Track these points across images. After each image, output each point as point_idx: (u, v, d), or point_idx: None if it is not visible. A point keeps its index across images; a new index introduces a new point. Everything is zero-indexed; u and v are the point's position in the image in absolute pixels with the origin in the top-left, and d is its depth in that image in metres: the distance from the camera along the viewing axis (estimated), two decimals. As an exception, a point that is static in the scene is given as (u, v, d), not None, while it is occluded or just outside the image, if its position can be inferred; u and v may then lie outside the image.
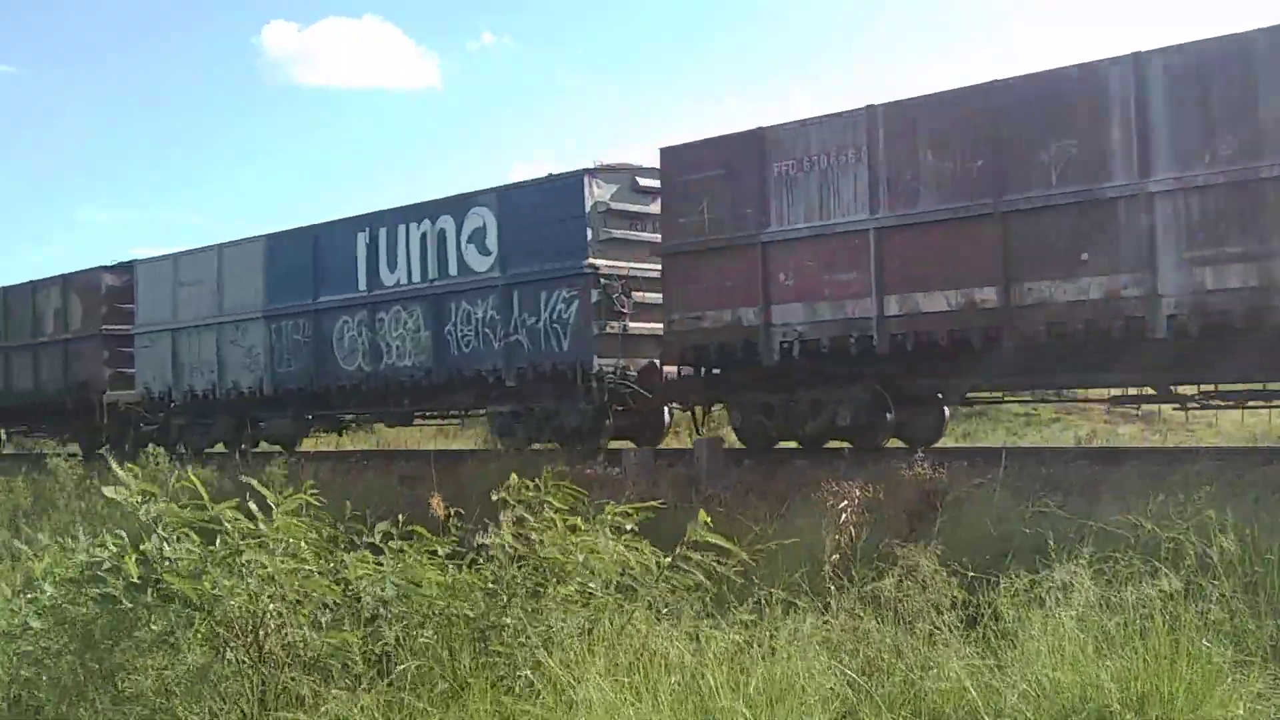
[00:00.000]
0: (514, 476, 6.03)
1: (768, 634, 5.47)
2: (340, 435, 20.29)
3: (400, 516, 5.91)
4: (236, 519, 5.52)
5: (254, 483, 5.84)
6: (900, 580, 5.97)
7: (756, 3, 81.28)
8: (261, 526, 5.54)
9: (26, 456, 23.92)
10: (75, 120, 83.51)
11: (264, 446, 19.36)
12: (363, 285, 17.24)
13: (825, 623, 5.72)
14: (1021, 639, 5.15)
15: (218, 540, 5.51)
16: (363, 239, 17.26)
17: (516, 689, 5.13)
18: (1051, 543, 6.25)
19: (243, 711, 5.01)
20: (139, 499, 5.57)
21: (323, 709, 4.92)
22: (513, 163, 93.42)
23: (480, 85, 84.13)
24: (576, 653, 5.13)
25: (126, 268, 22.62)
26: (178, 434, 20.80)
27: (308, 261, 18.09)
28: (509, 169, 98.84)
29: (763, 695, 4.75)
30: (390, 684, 5.15)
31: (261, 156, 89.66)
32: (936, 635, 5.46)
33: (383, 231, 17.01)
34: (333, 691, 4.99)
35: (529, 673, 5.14)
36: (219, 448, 20.03)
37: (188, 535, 5.54)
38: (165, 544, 5.44)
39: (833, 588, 6.22)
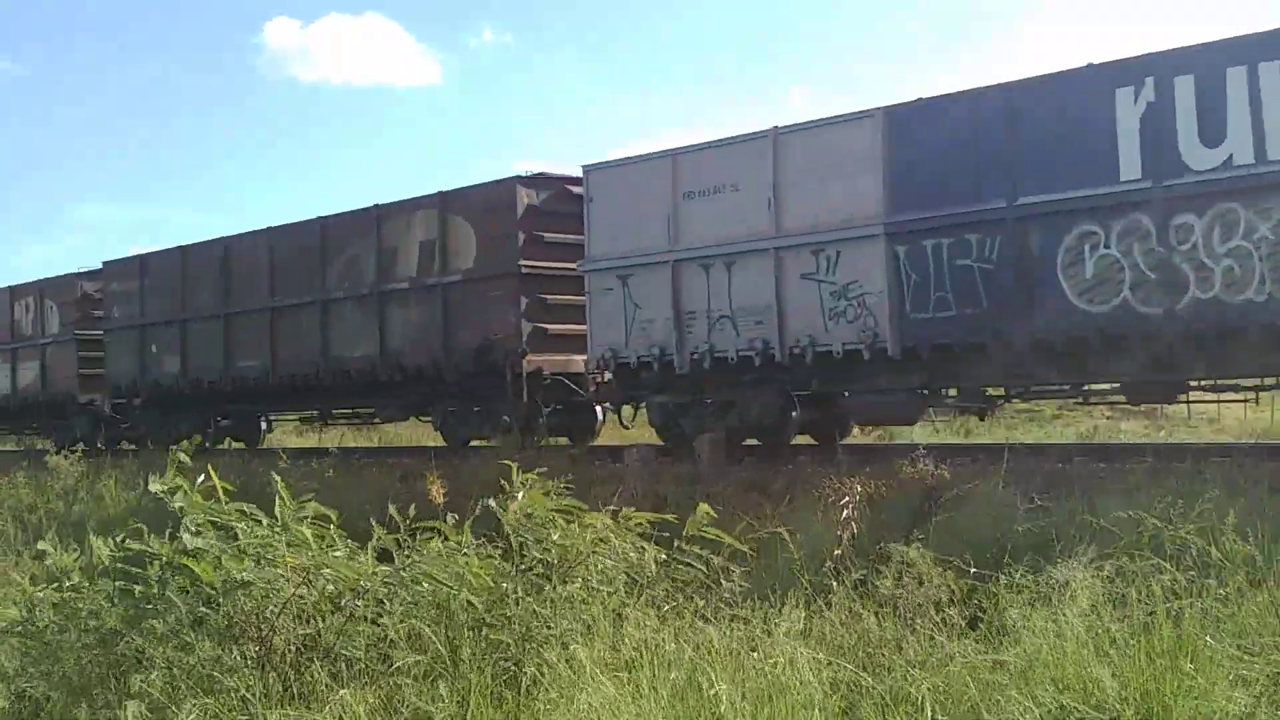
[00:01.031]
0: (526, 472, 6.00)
1: (768, 630, 5.37)
2: (983, 418, 13.65)
3: (395, 510, 5.86)
4: (252, 515, 5.66)
5: (279, 480, 5.89)
6: (900, 577, 5.93)
7: (756, 4, 78.76)
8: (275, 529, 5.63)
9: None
10: (74, 116, 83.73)
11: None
12: (1132, 173, 10.60)
13: (825, 619, 5.67)
14: (1023, 636, 5.08)
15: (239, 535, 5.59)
16: (1131, 98, 10.58)
17: (519, 685, 5.10)
18: (1054, 539, 6.46)
19: (250, 712, 4.91)
20: (170, 492, 5.69)
21: (326, 708, 4.87)
22: (512, 160, 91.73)
23: (480, 82, 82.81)
24: (579, 647, 5.09)
25: (552, 181, 15.76)
26: (663, 415, 14.14)
27: (993, 142, 11.35)
28: (508, 166, 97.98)
29: (763, 692, 4.70)
30: (391, 678, 5.11)
31: (263, 153, 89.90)
32: (937, 632, 5.36)
33: (1182, 82, 10.32)
34: (340, 693, 4.92)
35: (533, 669, 5.09)
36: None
37: (209, 528, 5.60)
38: (189, 535, 5.49)
39: (834, 584, 6.14)
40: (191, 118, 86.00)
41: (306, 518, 5.77)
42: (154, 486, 5.82)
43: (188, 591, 5.42)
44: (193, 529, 5.55)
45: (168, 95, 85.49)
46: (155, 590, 5.45)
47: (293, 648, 5.22)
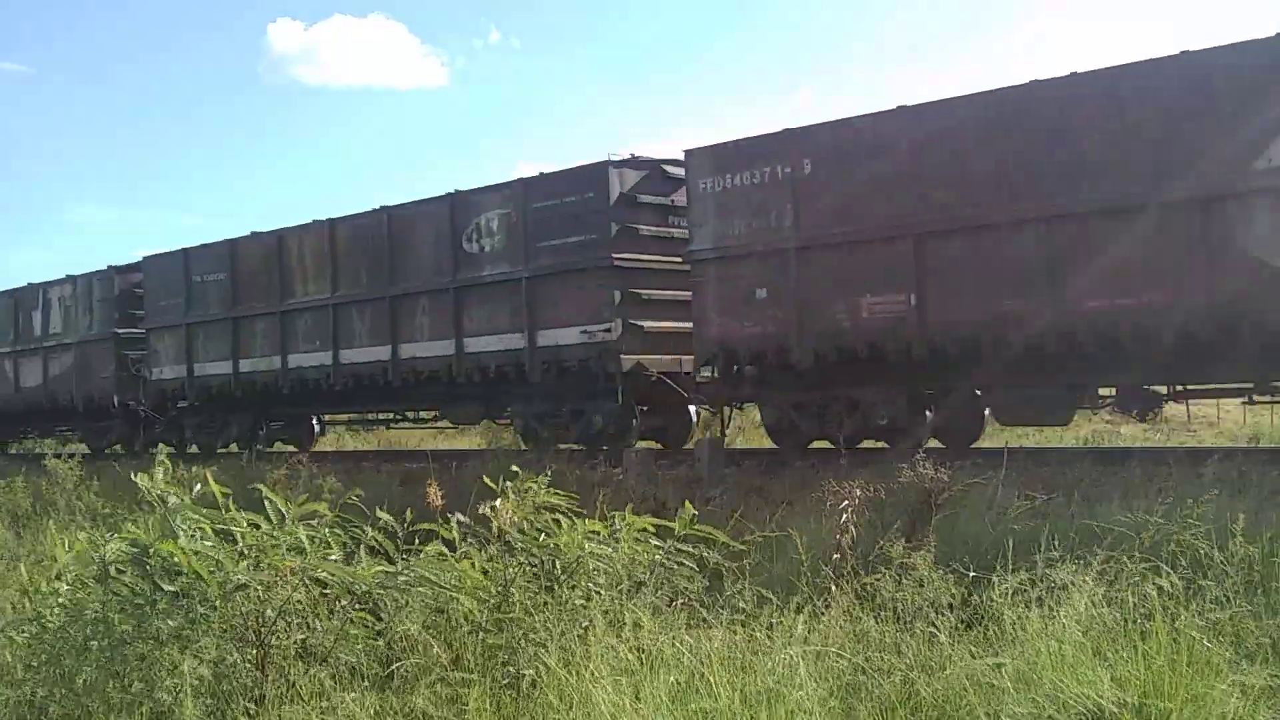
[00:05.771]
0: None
1: (766, 633, 5.39)
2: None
3: (388, 516, 5.98)
4: (247, 520, 5.54)
5: (262, 487, 5.82)
6: (899, 580, 5.95)
7: (763, 6, 79.11)
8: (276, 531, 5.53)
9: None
10: (74, 117, 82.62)
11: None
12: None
13: (824, 622, 5.67)
14: (1021, 639, 5.10)
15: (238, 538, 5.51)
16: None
17: (519, 689, 5.10)
18: (1053, 543, 6.34)
19: (247, 709, 4.93)
20: (161, 493, 5.56)
21: (328, 710, 4.87)
22: (516, 161, 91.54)
23: (486, 84, 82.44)
24: (578, 652, 5.11)
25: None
26: None
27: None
28: (513, 167, 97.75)
29: (761, 695, 4.70)
30: (391, 682, 5.14)
31: (264, 156, 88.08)
32: (935, 635, 5.39)
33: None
34: (341, 697, 4.92)
35: (531, 672, 5.10)
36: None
37: (204, 532, 5.51)
38: (184, 537, 5.39)
39: (832, 587, 6.17)
40: (193, 119, 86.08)
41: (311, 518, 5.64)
42: (139, 481, 5.58)
43: (184, 594, 5.29)
44: (188, 531, 5.41)
45: (169, 96, 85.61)
46: (153, 593, 5.31)
47: (292, 651, 5.19)
